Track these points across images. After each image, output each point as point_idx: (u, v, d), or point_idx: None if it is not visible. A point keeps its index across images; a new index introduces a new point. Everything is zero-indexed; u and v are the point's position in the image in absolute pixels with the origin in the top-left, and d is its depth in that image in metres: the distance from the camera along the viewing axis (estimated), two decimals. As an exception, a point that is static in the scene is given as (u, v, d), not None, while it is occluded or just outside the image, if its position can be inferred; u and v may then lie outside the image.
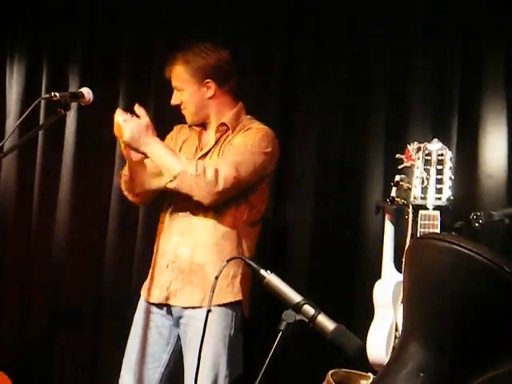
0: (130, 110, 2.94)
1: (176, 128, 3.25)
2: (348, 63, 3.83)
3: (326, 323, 1.93)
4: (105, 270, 4.13)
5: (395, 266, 2.86)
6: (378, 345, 2.61)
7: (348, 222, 3.77)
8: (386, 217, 2.92)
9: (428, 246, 1.84)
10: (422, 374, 1.64)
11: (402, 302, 2.04)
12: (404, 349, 1.72)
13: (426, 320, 1.76)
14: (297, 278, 3.66)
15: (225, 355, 2.90)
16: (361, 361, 2.51)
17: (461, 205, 3.50)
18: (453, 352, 1.71)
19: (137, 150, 2.90)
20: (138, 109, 2.90)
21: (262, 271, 2.00)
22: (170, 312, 3.04)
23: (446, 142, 3.51)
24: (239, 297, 2.96)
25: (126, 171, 3.09)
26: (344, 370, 2.30)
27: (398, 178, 2.80)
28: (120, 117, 2.88)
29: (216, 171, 2.87)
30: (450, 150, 3.55)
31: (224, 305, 2.93)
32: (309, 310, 1.95)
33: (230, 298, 2.95)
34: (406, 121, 3.77)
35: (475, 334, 1.72)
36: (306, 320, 1.93)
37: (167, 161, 2.89)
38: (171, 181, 2.88)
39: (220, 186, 2.86)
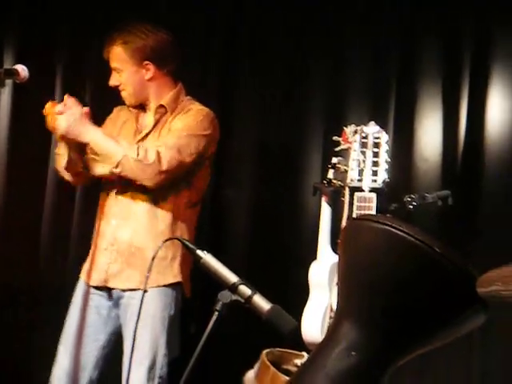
0: (69, 89, 2.90)
1: (116, 109, 3.23)
2: (288, 43, 3.85)
3: (262, 303, 1.95)
4: (41, 253, 4.07)
5: (331, 247, 2.90)
6: (313, 325, 2.64)
7: (286, 203, 3.80)
8: (323, 198, 2.95)
9: (362, 227, 1.87)
10: (353, 353, 1.67)
11: (337, 282, 2.07)
12: (337, 328, 1.75)
13: (359, 300, 1.79)
14: (236, 259, 3.68)
15: (163, 336, 2.91)
16: (296, 341, 2.55)
17: (397, 187, 3.57)
18: (384, 331, 1.74)
19: (75, 141, 2.88)
20: (68, 99, 2.88)
21: (199, 251, 2.01)
22: (109, 294, 3.03)
23: (383, 125, 3.55)
24: (178, 278, 2.97)
25: (60, 150, 3.06)
26: (279, 349, 2.32)
27: (335, 160, 2.83)
28: (52, 109, 2.85)
29: (158, 154, 2.87)
30: (386, 133, 3.62)
31: (163, 286, 2.94)
32: (245, 290, 1.96)
33: (169, 280, 2.95)
34: (344, 104, 3.81)
35: (406, 313, 1.76)
36: (242, 300, 1.95)
37: (108, 147, 2.89)
38: (115, 167, 2.87)
39: (163, 168, 2.87)
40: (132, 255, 2.97)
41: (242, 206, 3.84)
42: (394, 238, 1.77)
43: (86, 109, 2.92)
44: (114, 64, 3.05)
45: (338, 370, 1.67)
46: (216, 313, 1.91)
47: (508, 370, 3.35)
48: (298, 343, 2.61)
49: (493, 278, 1.64)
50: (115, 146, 2.88)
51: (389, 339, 1.74)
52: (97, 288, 3.03)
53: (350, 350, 1.70)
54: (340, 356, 1.69)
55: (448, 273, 1.73)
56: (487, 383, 3.39)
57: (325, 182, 2.90)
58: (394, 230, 1.78)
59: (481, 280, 1.63)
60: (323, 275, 2.77)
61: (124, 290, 2.99)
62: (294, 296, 3.21)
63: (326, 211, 2.92)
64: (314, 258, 2.97)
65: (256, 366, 2.22)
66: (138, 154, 2.86)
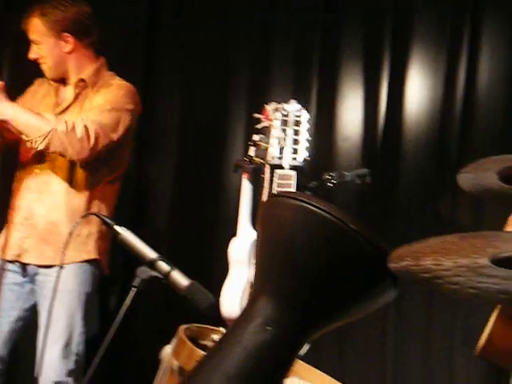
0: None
1: (37, 82, 3.16)
2: (213, 18, 3.84)
3: (180, 279, 1.96)
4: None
5: (252, 223, 2.92)
6: (232, 300, 2.67)
7: (209, 179, 3.81)
8: (244, 175, 2.97)
9: (280, 203, 1.89)
10: (269, 328, 1.69)
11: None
12: (254, 303, 1.77)
13: (275, 275, 1.81)
14: (158, 235, 3.68)
15: (80, 313, 2.89)
16: (215, 316, 2.57)
17: (318, 165, 3.62)
18: (300, 306, 1.77)
19: None
20: None
21: (116, 227, 2.00)
22: (24, 269, 2.98)
23: (305, 103, 3.60)
24: (95, 255, 2.95)
25: None
26: (197, 325, 2.34)
27: (256, 137, 2.84)
28: None
29: (86, 128, 2.83)
30: (308, 111, 3.66)
31: (79, 262, 2.91)
32: (163, 266, 1.97)
33: (86, 256, 2.93)
34: (267, 81, 3.83)
35: (321, 288, 1.79)
36: (160, 276, 1.95)
37: (32, 122, 2.83)
38: (41, 142, 2.81)
39: (91, 143, 2.84)
40: (47, 231, 2.93)
41: (165, 183, 3.83)
42: (309, 213, 1.80)
43: (1, 83, 2.85)
44: (32, 36, 2.99)
45: (254, 345, 1.69)
46: (134, 289, 1.91)
47: (418, 340, 3.46)
48: (217, 319, 2.63)
49: (404, 253, 1.68)
50: (40, 120, 2.83)
51: (304, 314, 1.77)
52: (12, 263, 2.98)
53: (265, 324, 1.72)
54: (256, 330, 1.71)
55: (361, 248, 1.77)
56: (400, 351, 3.49)
57: (246, 159, 2.91)
58: (309, 206, 1.80)
59: (392, 256, 1.67)
60: (243, 251, 2.79)
61: (39, 266, 2.95)
62: (215, 272, 3.23)
63: (246, 188, 2.93)
64: (235, 234, 2.99)
65: (173, 342, 2.23)
66: (66, 127, 2.81)
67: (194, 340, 2.29)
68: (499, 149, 3.21)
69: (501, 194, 1.71)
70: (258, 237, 1.90)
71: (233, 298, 2.68)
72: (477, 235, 1.64)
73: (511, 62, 3.45)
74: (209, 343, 2.30)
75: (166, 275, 1.96)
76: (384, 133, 3.66)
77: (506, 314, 2.35)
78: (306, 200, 1.81)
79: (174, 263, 1.99)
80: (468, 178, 1.73)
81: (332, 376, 2.58)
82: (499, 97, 3.45)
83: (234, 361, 1.66)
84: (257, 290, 1.81)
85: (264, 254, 1.86)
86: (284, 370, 1.75)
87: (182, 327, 2.27)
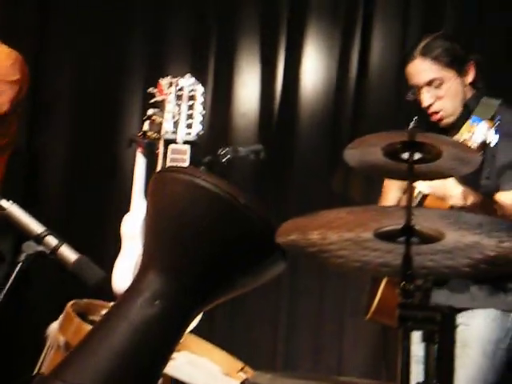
0: None
1: None
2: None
3: (69, 254, 1.92)
4: None
5: (146, 199, 2.89)
6: (123, 275, 2.64)
7: (104, 155, 3.75)
8: (138, 150, 2.94)
9: (169, 178, 1.89)
10: (157, 302, 1.70)
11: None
12: (142, 278, 1.77)
13: (164, 249, 1.82)
14: (51, 210, 3.61)
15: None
16: (107, 291, 2.54)
17: (215, 140, 3.62)
18: (188, 279, 1.78)
19: None
20: None
21: (2, 201, 1.94)
22: None
23: (202, 78, 3.59)
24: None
25: None
26: (85, 300, 2.31)
27: (150, 111, 2.81)
28: None
29: None
30: (205, 86, 3.64)
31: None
32: (51, 241, 1.92)
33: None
34: (164, 55, 3.80)
35: (210, 262, 1.80)
36: (47, 251, 1.91)
37: None
38: None
39: None
40: None
41: (58, 157, 3.75)
42: (199, 188, 1.80)
43: None
44: None
45: (141, 319, 1.69)
46: (19, 264, 1.86)
47: (310, 312, 3.54)
48: (109, 294, 2.61)
49: (291, 228, 1.71)
50: None
51: (193, 287, 1.78)
52: None
53: (154, 299, 1.72)
54: (144, 305, 1.71)
55: (250, 223, 1.79)
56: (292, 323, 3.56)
57: (140, 133, 2.88)
58: (199, 181, 1.81)
59: (280, 230, 1.69)
60: (136, 227, 2.76)
61: None
62: (109, 247, 3.19)
63: (140, 163, 2.90)
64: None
65: (60, 318, 2.20)
66: None
67: (83, 315, 2.26)
68: (390, 126, 3.28)
69: (385, 169, 1.76)
70: (147, 211, 1.89)
71: (124, 273, 2.66)
72: (361, 210, 1.68)
73: (403, 41, 3.53)
74: (98, 318, 2.27)
75: (54, 250, 1.91)
76: (280, 109, 3.70)
77: (391, 283, 2.48)
78: (196, 175, 1.82)
79: (67, 239, 1.95)
80: (354, 153, 1.76)
81: (224, 349, 2.60)
82: (390, 75, 3.53)
83: (121, 335, 1.66)
84: (145, 264, 1.81)
85: (153, 228, 1.86)
86: (172, 344, 1.75)
87: (70, 303, 2.24)
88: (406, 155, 1.67)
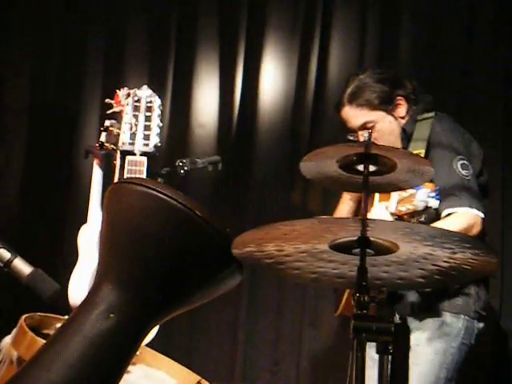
0: None
1: None
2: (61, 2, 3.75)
3: (22, 267, 1.90)
4: None
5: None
6: (80, 289, 2.62)
7: (61, 166, 3.72)
8: (95, 162, 2.92)
9: (125, 189, 1.87)
10: (112, 315, 1.68)
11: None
12: (97, 290, 1.75)
13: (120, 262, 1.80)
14: (6, 222, 3.56)
15: None
16: (62, 305, 2.52)
17: (173, 152, 3.62)
18: (145, 292, 1.76)
19: None
20: None
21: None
22: None
23: (161, 89, 3.59)
24: None
25: None
26: (40, 314, 2.28)
27: (107, 123, 2.80)
28: None
29: None
30: (164, 97, 3.64)
31: None
32: (4, 254, 1.90)
33: None
34: (123, 66, 3.78)
35: (166, 274, 1.79)
36: (1, 264, 1.88)
37: None
38: None
39: None
40: None
41: (14, 168, 3.70)
42: (155, 200, 1.79)
43: None
44: None
45: (96, 332, 1.67)
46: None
47: (269, 322, 3.54)
48: (65, 307, 2.58)
49: (247, 240, 1.71)
50: None
51: (148, 300, 1.77)
52: None
53: (109, 312, 1.70)
54: (98, 318, 1.69)
55: (207, 235, 1.78)
56: (251, 334, 3.55)
57: (97, 144, 2.86)
58: (156, 192, 1.79)
59: (236, 242, 1.70)
60: (93, 238, 2.75)
61: None
62: (67, 259, 3.16)
63: (97, 174, 2.88)
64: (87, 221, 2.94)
65: (13, 332, 2.16)
66: None
67: (37, 329, 2.23)
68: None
69: (341, 181, 1.77)
70: (102, 223, 1.87)
71: (81, 286, 2.63)
72: (317, 221, 1.69)
73: (360, 50, 3.56)
74: (52, 332, 2.24)
75: (7, 263, 1.89)
76: (238, 121, 3.70)
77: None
78: (152, 186, 1.80)
79: (23, 252, 1.93)
80: (310, 166, 1.77)
81: (182, 362, 2.58)
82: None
83: (75, 349, 1.63)
84: (100, 277, 1.79)
85: (109, 240, 1.84)
86: (128, 357, 1.73)
87: (24, 316, 2.20)
88: (361, 167, 1.69)
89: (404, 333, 1.46)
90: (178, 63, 3.77)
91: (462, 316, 2.60)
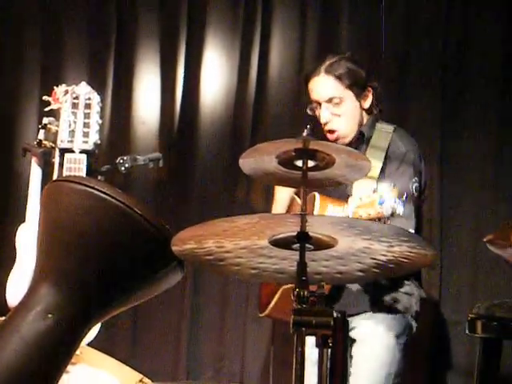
0: None
1: None
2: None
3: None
4: None
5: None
6: (18, 289, 2.58)
7: (1, 164, 3.65)
8: (33, 160, 2.87)
9: (63, 188, 1.85)
10: (50, 315, 1.66)
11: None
12: (34, 290, 1.72)
13: (58, 261, 1.78)
14: None
15: None
16: (1, 305, 2.48)
17: (115, 149, 3.59)
18: (84, 291, 1.75)
19: None
20: None
21: None
22: None
23: (101, 86, 3.56)
24: None
25: None
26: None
27: (45, 120, 2.75)
28: None
29: None
30: (104, 94, 3.60)
31: None
32: None
33: None
34: (62, 63, 3.73)
35: (106, 272, 1.77)
36: None
37: None
38: None
39: None
40: None
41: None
42: (94, 198, 1.77)
43: None
44: None
45: (34, 333, 1.65)
46: None
47: (214, 318, 3.55)
48: (3, 308, 2.53)
49: (187, 237, 1.70)
50: None
51: (87, 299, 1.75)
52: None
53: (47, 311, 1.68)
54: (36, 318, 1.67)
55: (146, 232, 1.77)
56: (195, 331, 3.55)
57: (35, 142, 2.81)
58: (94, 190, 1.78)
59: (175, 239, 1.69)
60: (31, 238, 2.70)
61: None
62: (4, 259, 3.11)
63: (35, 173, 2.84)
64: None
65: None
66: None
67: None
68: (289, 133, 3.32)
69: (280, 177, 1.78)
70: (40, 222, 1.84)
71: (19, 286, 2.59)
72: (256, 217, 1.69)
73: (300, 47, 3.58)
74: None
75: None
76: (181, 117, 3.68)
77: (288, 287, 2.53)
78: (89, 184, 1.78)
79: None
80: (249, 162, 1.77)
81: (126, 360, 2.56)
82: (288, 85, 3.57)
83: (13, 350, 1.61)
84: (38, 276, 1.76)
85: (46, 239, 1.81)
86: (66, 357, 1.71)
87: (-42, 318, 2.16)
88: (299, 163, 1.70)
89: (343, 327, 1.47)
90: (119, 59, 3.74)
91: (407, 315, 2.66)
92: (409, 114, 3.41)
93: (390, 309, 2.64)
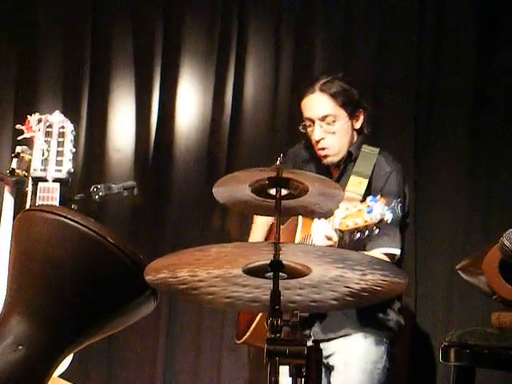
0: None
1: None
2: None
3: None
4: None
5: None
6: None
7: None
8: (6, 189, 2.84)
9: (36, 217, 1.83)
10: (20, 347, 1.64)
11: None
12: (4, 322, 1.70)
13: (29, 292, 1.76)
14: None
15: None
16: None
17: (89, 177, 3.57)
18: (55, 322, 1.73)
19: None
20: None
21: None
22: None
23: (75, 114, 3.55)
24: None
25: None
26: None
27: (19, 149, 2.74)
28: None
29: None
30: (79, 122, 3.59)
31: None
32: None
33: None
34: (36, 92, 3.72)
35: (79, 304, 1.76)
36: None
37: None
38: None
39: None
40: None
41: None
42: (67, 228, 1.76)
43: None
44: None
45: (4, 365, 1.63)
46: None
47: (189, 346, 3.52)
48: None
49: (160, 266, 1.69)
50: None
51: (59, 330, 1.73)
52: None
53: (16, 344, 1.66)
54: (6, 350, 1.64)
55: (119, 262, 1.76)
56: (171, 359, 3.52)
57: (8, 171, 2.79)
58: (66, 220, 1.76)
59: (149, 268, 1.68)
60: (3, 268, 2.67)
61: None
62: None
63: (8, 202, 2.81)
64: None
65: None
66: None
67: None
68: (264, 158, 3.34)
69: (254, 205, 1.78)
70: (11, 252, 1.83)
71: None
72: (229, 246, 1.69)
73: (275, 74, 3.59)
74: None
75: None
76: (156, 144, 3.67)
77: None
78: (62, 214, 1.77)
79: None
80: (223, 190, 1.78)
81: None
82: (264, 107, 3.59)
83: (-18, 384, 1.59)
84: (8, 308, 1.74)
85: (17, 269, 1.79)
86: (38, 389, 1.69)
87: None
88: (273, 191, 1.70)
89: (317, 356, 1.46)
90: (93, 88, 3.73)
91: (385, 340, 2.67)
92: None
93: (370, 333, 2.65)
